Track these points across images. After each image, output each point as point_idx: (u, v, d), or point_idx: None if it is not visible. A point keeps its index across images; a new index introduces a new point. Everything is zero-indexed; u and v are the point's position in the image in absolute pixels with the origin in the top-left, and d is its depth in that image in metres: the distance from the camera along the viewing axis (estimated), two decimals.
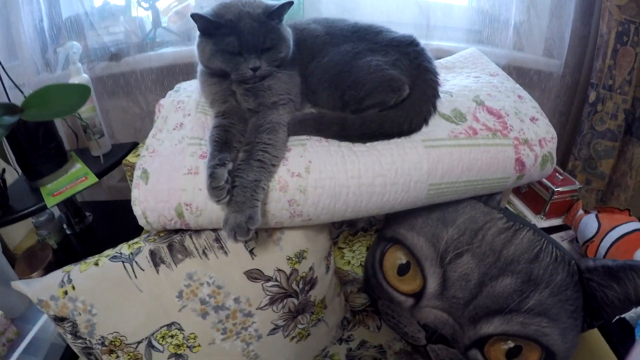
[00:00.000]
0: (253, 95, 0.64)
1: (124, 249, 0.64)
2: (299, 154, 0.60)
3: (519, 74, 1.20)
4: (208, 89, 0.67)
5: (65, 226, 1.08)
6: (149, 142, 0.66)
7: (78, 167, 0.94)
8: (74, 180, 0.89)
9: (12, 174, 0.96)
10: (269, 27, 0.62)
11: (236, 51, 0.61)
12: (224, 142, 0.60)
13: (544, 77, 1.24)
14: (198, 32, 0.63)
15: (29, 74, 1.03)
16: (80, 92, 0.80)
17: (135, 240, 0.67)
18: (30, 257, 0.89)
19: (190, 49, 0.66)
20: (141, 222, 0.62)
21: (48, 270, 0.84)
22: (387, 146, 0.62)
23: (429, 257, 0.66)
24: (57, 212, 1.09)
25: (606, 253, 0.93)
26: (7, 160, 0.81)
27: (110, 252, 0.65)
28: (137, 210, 0.61)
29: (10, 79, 0.87)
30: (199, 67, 0.70)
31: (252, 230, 0.53)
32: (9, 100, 0.85)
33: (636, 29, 1.10)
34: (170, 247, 0.63)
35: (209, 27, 0.61)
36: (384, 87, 0.62)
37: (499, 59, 0.96)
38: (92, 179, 0.88)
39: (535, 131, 0.71)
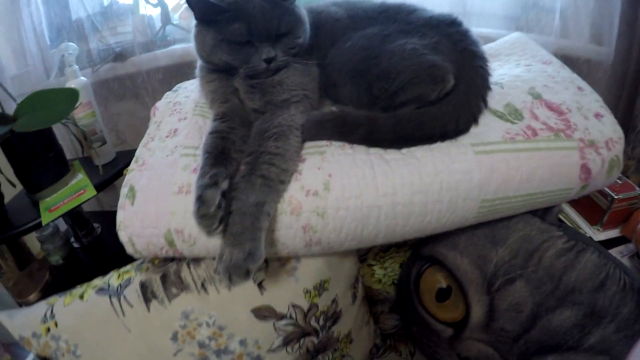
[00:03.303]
0: (260, 92, 0.51)
1: (113, 279, 0.55)
2: (315, 166, 0.46)
3: (567, 63, 1.01)
4: (207, 87, 0.54)
5: (72, 239, 0.98)
6: (139, 153, 0.55)
7: (79, 178, 0.84)
8: (73, 193, 0.79)
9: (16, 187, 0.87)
10: (283, 9, 0.49)
11: (245, 40, 0.48)
12: (219, 152, 0.46)
13: (593, 66, 1.05)
14: (194, 22, 0.50)
15: (33, 82, 0.94)
16: (69, 97, 0.70)
17: (127, 268, 0.57)
18: (29, 276, 0.80)
19: None
20: (129, 250, 0.51)
21: (45, 292, 0.76)
22: (428, 153, 0.47)
23: (474, 282, 0.54)
24: (63, 225, 1.00)
25: None
26: None
27: (98, 282, 0.55)
28: (122, 236, 0.50)
29: (4, 89, 0.77)
30: (199, 62, 0.58)
31: (253, 271, 0.40)
32: (3, 110, 0.74)
33: None
34: (164, 278, 0.52)
35: (209, 12, 0.47)
36: (423, 77, 0.47)
37: (544, 47, 0.80)
38: (91, 192, 0.77)
39: (601, 130, 0.55)
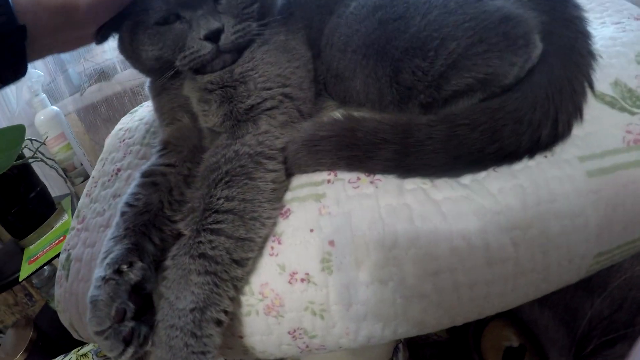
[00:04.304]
0: (217, 99, 0.31)
1: None
2: (306, 226, 0.26)
3: None
4: (154, 103, 0.37)
5: None
6: (81, 204, 0.39)
7: (65, 220, 0.71)
8: (55, 239, 0.66)
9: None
10: None
11: (168, 13, 0.29)
12: (142, 211, 0.29)
13: None
14: None
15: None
16: (14, 134, 0.56)
17: (86, 349, 0.43)
18: (16, 333, 0.69)
19: None
20: (74, 336, 0.37)
21: (31, 351, 0.64)
22: (509, 182, 0.26)
23: (557, 343, 0.42)
24: None
25: None
26: None
27: None
28: (63, 320, 0.35)
29: None
30: None
31: None
32: None
33: None
34: None
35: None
36: (490, 42, 0.26)
37: None
38: None
39: None
